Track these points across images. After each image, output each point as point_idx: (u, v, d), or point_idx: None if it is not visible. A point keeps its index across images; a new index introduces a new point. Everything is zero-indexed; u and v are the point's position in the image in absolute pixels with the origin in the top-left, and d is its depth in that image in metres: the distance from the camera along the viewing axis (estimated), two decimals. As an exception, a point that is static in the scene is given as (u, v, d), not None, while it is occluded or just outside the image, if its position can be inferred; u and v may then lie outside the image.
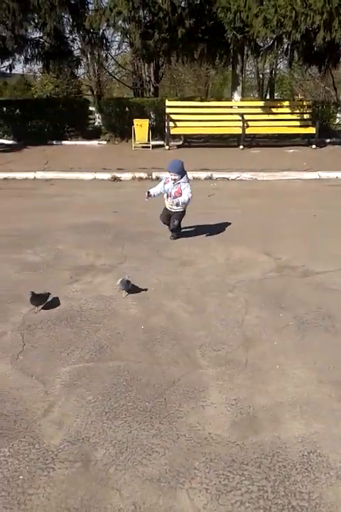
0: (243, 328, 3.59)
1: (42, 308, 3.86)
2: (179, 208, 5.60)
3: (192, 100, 16.19)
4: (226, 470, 2.23)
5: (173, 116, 14.18)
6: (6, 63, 15.69)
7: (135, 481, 2.17)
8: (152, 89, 23.52)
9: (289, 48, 14.16)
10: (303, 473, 2.20)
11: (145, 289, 4.25)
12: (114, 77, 28.30)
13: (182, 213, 5.71)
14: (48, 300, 3.92)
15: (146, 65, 23.09)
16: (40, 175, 10.17)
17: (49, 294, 3.95)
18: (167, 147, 14.03)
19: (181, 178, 5.51)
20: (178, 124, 14.22)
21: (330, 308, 3.89)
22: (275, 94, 30.58)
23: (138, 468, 2.25)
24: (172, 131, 14.16)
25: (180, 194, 5.51)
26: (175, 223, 5.66)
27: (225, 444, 2.39)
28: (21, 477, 2.20)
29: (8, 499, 2.08)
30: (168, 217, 5.77)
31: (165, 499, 2.07)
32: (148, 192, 5.62)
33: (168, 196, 5.58)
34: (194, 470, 2.23)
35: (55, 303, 3.98)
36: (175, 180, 5.49)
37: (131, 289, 4.15)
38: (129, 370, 3.03)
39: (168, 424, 2.54)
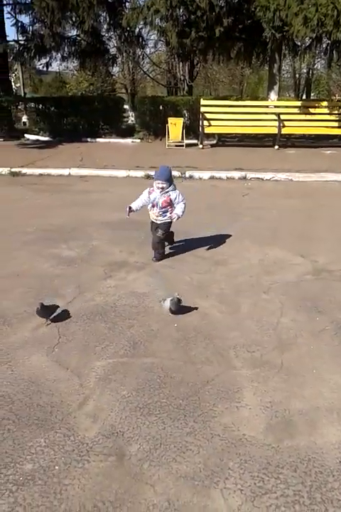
0: (278, 330, 3.54)
1: (51, 320, 3.61)
2: (166, 218, 4.98)
3: (227, 99, 16.07)
4: (261, 472, 2.20)
5: (208, 115, 14.12)
6: (44, 61, 16.03)
7: (169, 478, 2.17)
8: (186, 87, 23.49)
9: (328, 47, 13.88)
10: (340, 481, 2.15)
11: (196, 308, 3.85)
12: (149, 76, 28.47)
13: (170, 224, 5.07)
14: (56, 313, 3.68)
15: (181, 63, 23.09)
16: (74, 171, 10.31)
17: (58, 306, 3.73)
18: (201, 146, 14.00)
19: (169, 186, 4.91)
20: (212, 123, 14.15)
21: (370, 314, 3.79)
22: (312, 95, 30.07)
23: (172, 465, 2.24)
24: (207, 130, 14.11)
25: (169, 203, 4.92)
26: (159, 234, 4.98)
27: (260, 446, 2.36)
28: (57, 467, 2.23)
29: (45, 488, 2.12)
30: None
31: (199, 497, 2.06)
32: (129, 207, 4.97)
33: (153, 206, 4.96)
34: (228, 470, 2.21)
35: (64, 315, 3.73)
36: (162, 188, 4.85)
37: (179, 310, 3.68)
38: (163, 367, 3.04)
39: (201, 422, 2.53)
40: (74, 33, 15.95)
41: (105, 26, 15.61)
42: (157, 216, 4.99)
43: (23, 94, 24.51)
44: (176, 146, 13.93)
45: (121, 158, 11.73)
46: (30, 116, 17.57)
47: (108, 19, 15.21)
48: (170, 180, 4.95)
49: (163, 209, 4.93)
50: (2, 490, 2.11)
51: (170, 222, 5.05)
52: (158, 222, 5.02)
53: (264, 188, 9.04)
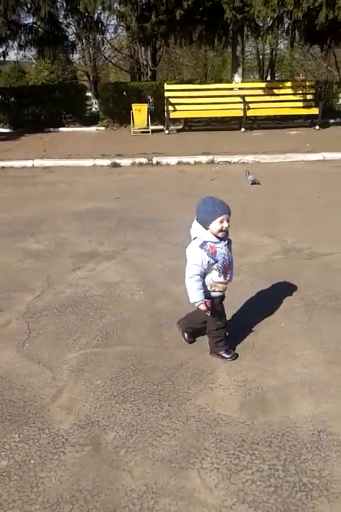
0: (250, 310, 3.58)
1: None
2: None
3: (191, 83, 16.03)
4: (237, 450, 2.23)
5: (172, 100, 14.07)
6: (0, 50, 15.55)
7: (146, 463, 2.18)
8: (150, 73, 23.29)
9: (290, 27, 13.98)
10: (314, 452, 2.20)
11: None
12: (111, 62, 28.04)
13: None
14: None
15: (143, 48, 22.83)
16: (38, 163, 10.10)
17: None
18: (167, 132, 13.95)
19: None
20: (178, 107, 14.11)
21: (337, 290, 3.86)
22: (276, 75, 30.26)
23: (148, 449, 2.25)
24: (172, 115, 14.07)
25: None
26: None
27: (235, 424, 2.39)
28: (32, 461, 2.21)
29: (21, 483, 2.09)
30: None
31: (176, 479, 2.08)
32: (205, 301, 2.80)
33: (221, 272, 2.81)
34: (204, 450, 2.23)
35: None
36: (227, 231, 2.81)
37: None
38: (136, 354, 3.03)
39: (177, 406, 2.54)
40: (30, 20, 15.54)
41: (62, 12, 15.27)
42: (226, 285, 2.93)
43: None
44: (142, 132, 13.83)
45: (86, 147, 11.57)
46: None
47: (65, 5, 14.87)
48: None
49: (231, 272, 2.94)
50: (-23, 489, 2.07)
51: None
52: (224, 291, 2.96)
53: (232, 171, 9.10)
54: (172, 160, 9.91)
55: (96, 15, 14.92)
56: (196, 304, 2.81)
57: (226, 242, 2.81)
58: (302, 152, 10.23)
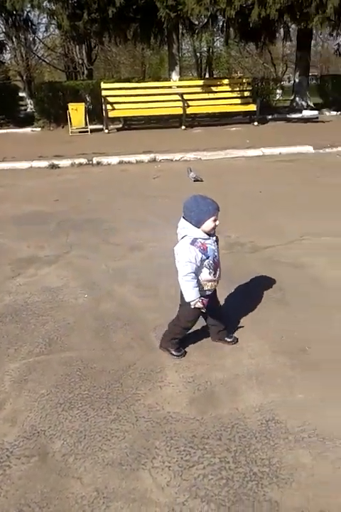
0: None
1: None
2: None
3: (129, 82, 15.95)
4: (188, 446, 2.22)
5: (110, 99, 13.93)
6: None
7: (96, 468, 2.12)
8: (86, 71, 22.94)
9: (224, 25, 14.24)
10: (263, 441, 2.24)
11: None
12: (44, 61, 27.34)
13: None
14: None
15: (78, 46, 22.46)
16: (-28, 167, 9.64)
17: None
18: (106, 131, 13.80)
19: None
20: (116, 106, 13.99)
21: (279, 281, 3.95)
22: (214, 73, 30.77)
23: (98, 454, 2.19)
24: (111, 114, 13.93)
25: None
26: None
27: (184, 421, 2.38)
28: (-25, 481, 2.08)
29: None
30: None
31: (127, 481, 2.04)
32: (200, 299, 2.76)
33: (212, 269, 2.81)
34: (155, 449, 2.21)
35: None
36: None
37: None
38: (82, 359, 2.95)
39: (125, 408, 2.49)
40: None
41: (-12, 11, 14.64)
42: (216, 283, 2.94)
43: None
44: (80, 132, 13.58)
45: (22, 149, 11.19)
46: None
47: (-9, 3, 14.28)
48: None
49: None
50: None
51: None
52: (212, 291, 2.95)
53: (175, 169, 9.12)
54: (114, 159, 9.81)
55: (25, 13, 14.44)
56: (192, 303, 2.75)
57: (214, 239, 2.82)
58: (242, 148, 10.45)
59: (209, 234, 2.75)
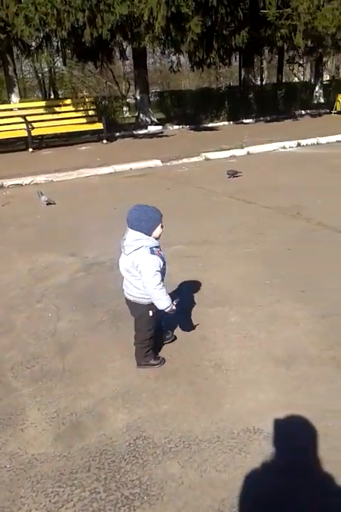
0: (56, 336, 3.48)
1: None
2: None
3: None
4: (56, 486, 2.13)
5: None
6: None
7: None
8: None
9: (59, 45, 14.15)
10: (132, 462, 2.25)
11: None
12: None
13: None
14: None
15: None
16: None
17: None
18: None
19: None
20: None
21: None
22: (60, 93, 30.40)
23: None
24: None
25: None
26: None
27: (51, 460, 2.28)
28: None
29: None
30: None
31: None
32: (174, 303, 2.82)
33: (163, 275, 2.88)
34: (20, 499, 2.08)
35: None
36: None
37: None
38: None
39: (-15, 463, 2.31)
40: None
41: None
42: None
43: None
44: None
45: None
46: None
47: None
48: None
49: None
50: None
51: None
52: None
53: (25, 193, 8.77)
54: None
55: None
56: (167, 309, 2.76)
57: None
58: (94, 166, 10.50)
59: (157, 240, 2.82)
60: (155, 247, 2.78)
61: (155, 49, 13.68)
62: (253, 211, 6.39)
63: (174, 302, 2.79)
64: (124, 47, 16.71)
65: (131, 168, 10.45)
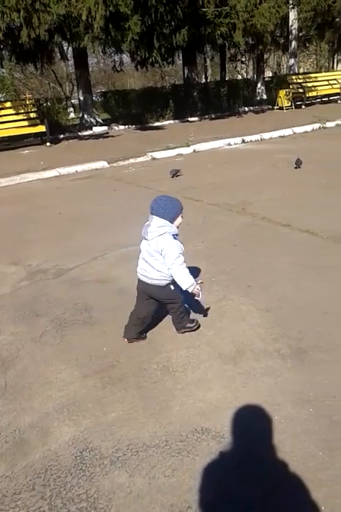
0: (-3, 350, 3.34)
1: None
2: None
3: None
4: (-2, 511, 2.03)
5: None
6: None
7: None
8: None
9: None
10: (79, 475, 2.18)
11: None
12: None
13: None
14: None
15: None
16: None
17: None
18: None
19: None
20: None
21: (86, 301, 3.95)
22: (1, 96, 29.38)
23: None
24: None
25: None
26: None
27: (-8, 484, 2.18)
28: None
29: None
30: None
31: None
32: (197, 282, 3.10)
33: None
34: None
35: None
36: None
37: None
38: None
39: None
40: None
41: None
42: None
43: None
44: None
45: None
46: None
47: None
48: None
49: None
50: None
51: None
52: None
53: None
54: None
55: None
56: (190, 288, 2.98)
57: None
58: (37, 170, 10.20)
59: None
60: (176, 234, 3.05)
61: (96, 49, 13.43)
62: (200, 209, 6.43)
63: (198, 281, 3.04)
64: (64, 47, 16.35)
65: (76, 171, 10.25)
